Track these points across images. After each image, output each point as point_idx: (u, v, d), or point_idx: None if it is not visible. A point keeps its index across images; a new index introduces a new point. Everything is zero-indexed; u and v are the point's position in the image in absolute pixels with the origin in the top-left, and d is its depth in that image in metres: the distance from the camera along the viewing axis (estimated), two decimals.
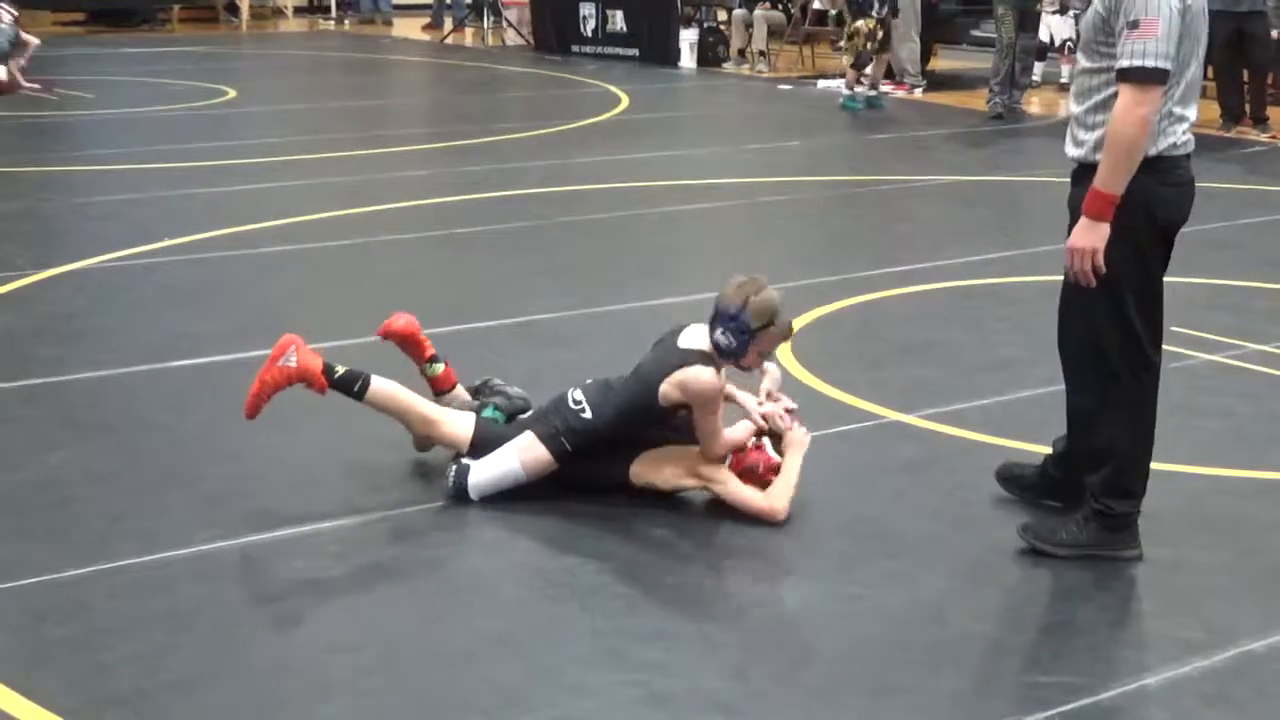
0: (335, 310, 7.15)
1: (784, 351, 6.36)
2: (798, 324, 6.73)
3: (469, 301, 7.13)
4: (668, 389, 4.66)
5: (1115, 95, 4.13)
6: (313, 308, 7.24)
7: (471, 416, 4.99)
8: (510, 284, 7.59)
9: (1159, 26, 4.05)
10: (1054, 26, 15.45)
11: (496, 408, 5.08)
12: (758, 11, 17.76)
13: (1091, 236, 4.14)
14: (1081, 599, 4.23)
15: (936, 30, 17.06)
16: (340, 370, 4.94)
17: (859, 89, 14.49)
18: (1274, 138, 12.68)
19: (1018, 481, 4.87)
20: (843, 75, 15.18)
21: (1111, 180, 4.10)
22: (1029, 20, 14.21)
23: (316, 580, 4.30)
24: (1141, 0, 4.06)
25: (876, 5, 14.25)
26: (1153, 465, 4.45)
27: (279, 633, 4.00)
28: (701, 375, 4.63)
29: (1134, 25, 4.06)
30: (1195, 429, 5.55)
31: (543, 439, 4.79)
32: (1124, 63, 4.08)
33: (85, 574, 4.25)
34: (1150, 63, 4.05)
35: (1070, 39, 15.06)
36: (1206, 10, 4.27)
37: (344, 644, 3.92)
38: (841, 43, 15.58)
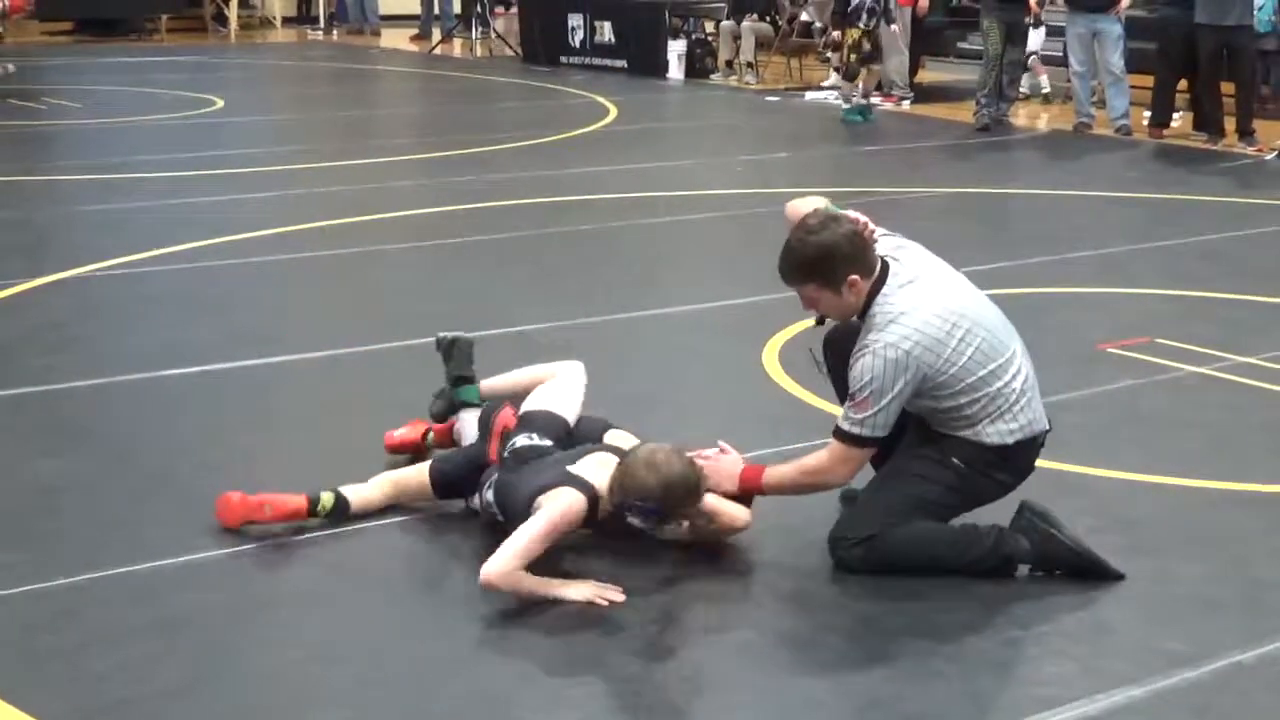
0: (325, 319, 7.17)
1: (771, 363, 6.39)
2: (785, 335, 6.76)
3: (458, 312, 7.11)
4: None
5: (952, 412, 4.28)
6: (302, 317, 7.26)
7: (424, 465, 4.76)
8: (500, 294, 7.60)
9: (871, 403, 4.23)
10: (1029, 39, 15.48)
11: (463, 380, 5.08)
12: (745, 23, 17.78)
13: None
14: (1066, 610, 4.25)
15: (924, 43, 17.10)
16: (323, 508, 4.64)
17: (855, 99, 14.45)
18: (1260, 151, 12.73)
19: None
20: (831, 88, 15.19)
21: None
22: (1016, 33, 14.24)
23: (306, 590, 4.30)
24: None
25: (865, 17, 14.26)
26: (1138, 477, 4.46)
27: (268, 642, 4.00)
28: (562, 500, 4.24)
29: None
30: (1180, 441, 5.57)
31: None
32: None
33: (75, 583, 4.25)
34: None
35: (1035, 51, 15.25)
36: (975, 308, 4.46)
37: (333, 654, 3.93)
38: (829, 54, 15.58)
